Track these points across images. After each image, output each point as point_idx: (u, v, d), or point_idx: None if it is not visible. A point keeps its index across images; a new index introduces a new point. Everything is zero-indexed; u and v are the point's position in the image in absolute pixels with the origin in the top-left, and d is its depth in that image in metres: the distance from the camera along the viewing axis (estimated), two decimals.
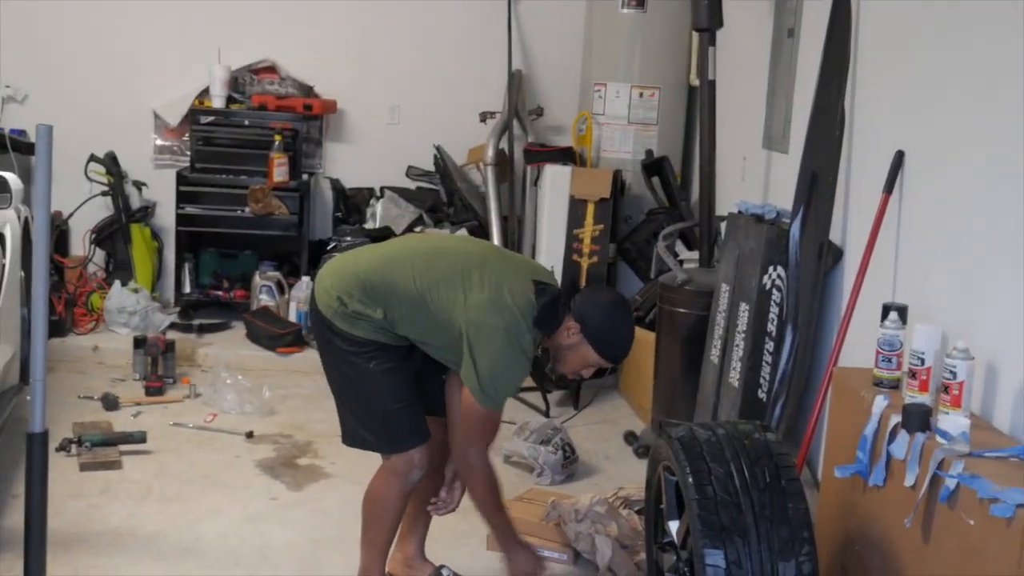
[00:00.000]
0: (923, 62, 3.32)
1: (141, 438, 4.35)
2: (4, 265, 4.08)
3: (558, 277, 5.48)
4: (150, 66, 6.28)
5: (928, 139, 3.27)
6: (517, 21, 6.35)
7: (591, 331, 2.95)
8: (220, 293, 6.15)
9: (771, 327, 3.88)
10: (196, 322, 5.91)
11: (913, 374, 2.82)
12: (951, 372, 2.66)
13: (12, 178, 3.86)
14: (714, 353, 4.21)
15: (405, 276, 2.97)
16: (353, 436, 3.12)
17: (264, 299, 5.94)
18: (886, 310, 3.04)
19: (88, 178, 6.06)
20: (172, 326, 5.81)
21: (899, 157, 3.39)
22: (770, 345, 3.87)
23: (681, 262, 4.88)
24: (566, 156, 5.86)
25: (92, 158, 6.04)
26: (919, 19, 3.37)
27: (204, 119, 6.11)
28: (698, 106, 5.04)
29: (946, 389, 2.67)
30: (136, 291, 5.84)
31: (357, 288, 2.98)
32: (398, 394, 3.03)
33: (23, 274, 4.43)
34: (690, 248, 5.31)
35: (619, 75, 5.89)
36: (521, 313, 2.91)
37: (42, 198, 2.49)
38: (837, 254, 3.86)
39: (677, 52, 5.90)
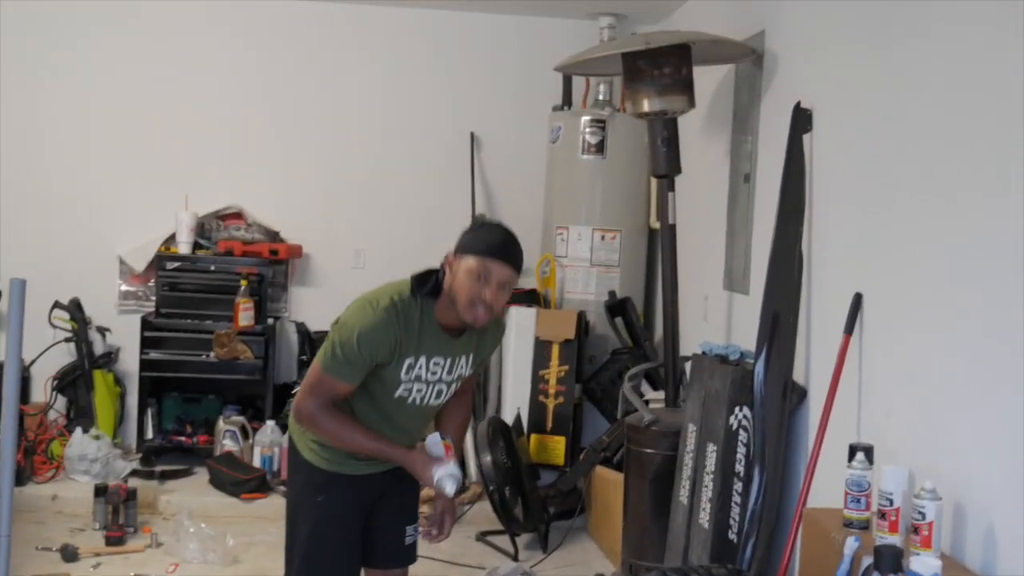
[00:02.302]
0: (877, 207, 3.44)
1: None
2: None
3: (524, 418, 5.52)
4: (116, 213, 6.33)
5: (885, 281, 3.36)
6: (480, 167, 6.51)
7: (461, 244, 2.82)
8: (183, 438, 6.07)
9: (739, 467, 3.89)
10: (158, 468, 5.82)
11: (883, 515, 2.84)
12: (920, 513, 2.68)
13: None
14: (683, 494, 4.20)
15: None
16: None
17: (228, 444, 5.88)
18: (852, 450, 3.07)
19: (52, 325, 6.03)
20: (134, 473, 5.72)
21: (857, 299, 3.47)
22: (739, 485, 3.88)
23: (647, 402, 4.91)
24: (530, 298, 5.94)
25: (56, 305, 6.02)
26: (872, 166, 3.50)
27: (170, 265, 6.13)
28: (659, 248, 5.14)
29: (916, 530, 2.69)
30: (97, 438, 5.76)
31: None
32: (335, 537, 2.97)
33: None
34: (655, 388, 5.35)
35: (581, 218, 6.02)
36: (388, 288, 2.86)
37: (13, 353, 2.50)
38: (801, 394, 3.91)
39: (636, 196, 6.05)
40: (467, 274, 2.77)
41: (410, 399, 2.91)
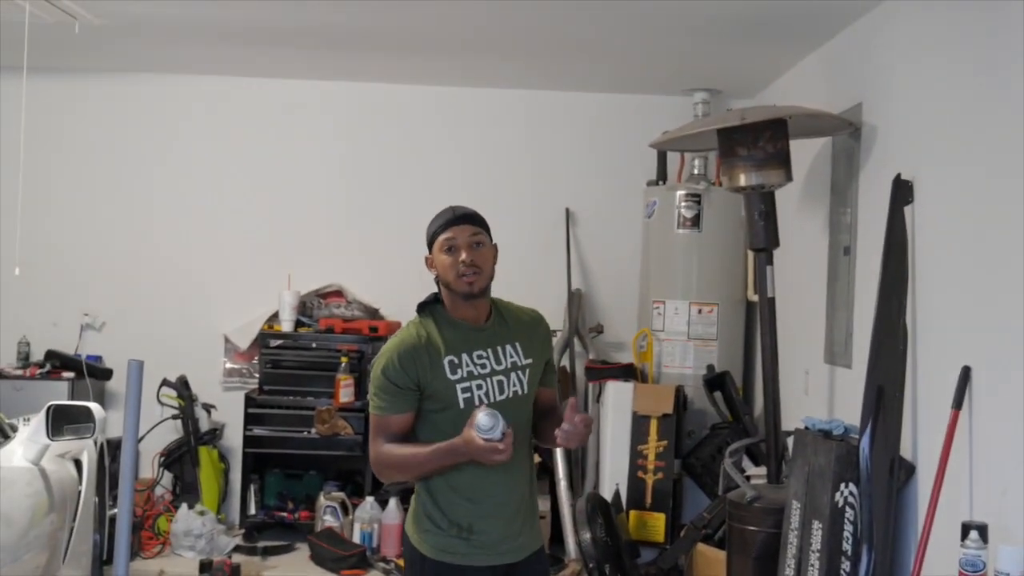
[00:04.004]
0: (984, 278, 3.38)
1: None
2: (81, 491, 4.16)
3: (623, 494, 5.47)
4: (222, 293, 6.54)
5: (994, 355, 3.28)
6: (576, 242, 6.56)
7: (427, 242, 3.02)
8: (285, 514, 6.16)
9: (847, 546, 3.80)
10: (261, 544, 5.91)
11: None
12: None
13: (96, 408, 3.99)
14: (788, 573, 4.11)
15: None
16: None
17: (328, 520, 5.94)
18: (966, 529, 2.99)
19: (160, 402, 6.20)
20: (237, 549, 5.81)
21: (966, 372, 3.40)
22: (847, 565, 3.78)
23: (748, 478, 4.83)
24: (627, 373, 5.92)
25: (164, 382, 6.20)
26: (977, 237, 3.44)
27: (273, 342, 6.28)
28: (757, 321, 5.10)
29: None
30: (202, 513, 5.88)
31: None
32: None
33: (97, 499, 4.51)
34: (756, 463, 5.27)
35: (677, 292, 6.00)
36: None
37: (130, 432, 2.58)
38: (909, 470, 3.82)
39: (733, 269, 6.03)
40: (441, 255, 2.95)
41: (476, 401, 2.90)
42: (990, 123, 3.37)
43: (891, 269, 3.87)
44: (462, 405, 2.90)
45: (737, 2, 4.50)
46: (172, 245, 6.58)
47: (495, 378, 2.94)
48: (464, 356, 2.92)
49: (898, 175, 3.92)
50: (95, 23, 5.08)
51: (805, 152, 5.05)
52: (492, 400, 2.92)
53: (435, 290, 3.03)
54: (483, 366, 2.93)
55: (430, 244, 3.00)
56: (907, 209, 3.89)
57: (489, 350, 2.95)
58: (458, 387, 2.90)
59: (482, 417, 2.73)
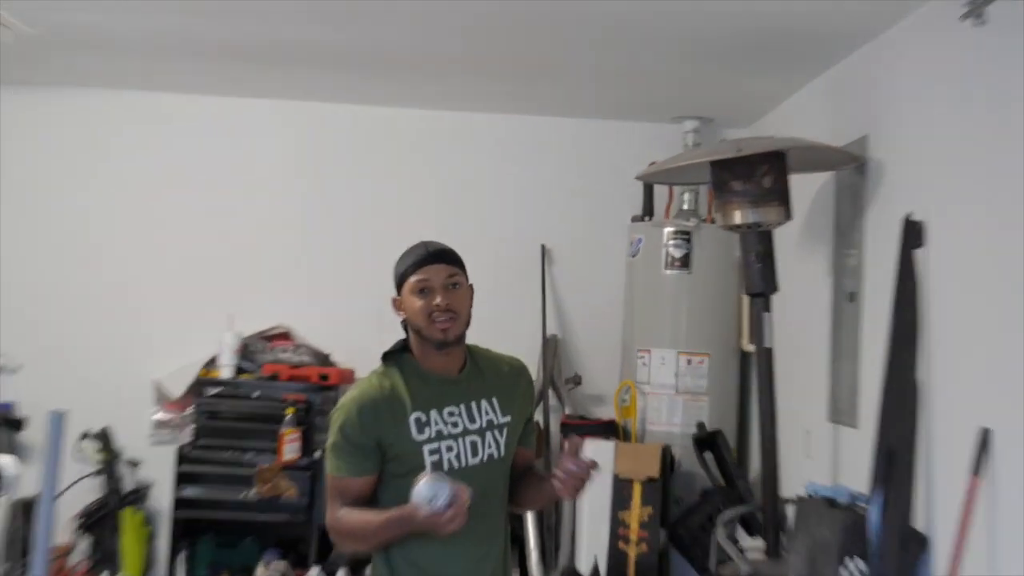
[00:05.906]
0: (1005, 330, 3.41)
1: None
2: None
3: (602, 568, 5.45)
4: (154, 335, 6.45)
5: (1016, 415, 3.30)
6: (552, 284, 6.57)
7: (395, 282, 3.00)
8: None
9: None
10: None
11: None
12: None
13: (9, 463, 3.93)
14: None
15: None
16: None
17: None
18: None
19: (76, 459, 6.09)
20: None
21: (985, 434, 3.42)
22: None
23: (743, 551, 4.83)
24: (608, 430, 5.92)
25: (84, 435, 6.12)
26: (997, 285, 3.48)
27: (210, 390, 6.21)
28: (753, 374, 5.12)
29: None
30: None
31: None
32: None
33: (8, 566, 4.44)
34: (752, 534, 5.27)
35: (664, 340, 6.02)
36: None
37: (48, 490, 2.55)
38: (922, 543, 3.82)
39: (726, 315, 6.06)
40: (412, 298, 2.93)
41: (446, 465, 2.86)
42: (1007, 160, 3.41)
43: (901, 318, 3.90)
44: (429, 470, 2.83)
45: (732, 23, 4.55)
46: (99, 280, 6.50)
47: (468, 438, 2.91)
48: (433, 413, 2.88)
49: (908, 215, 3.97)
50: (29, 32, 5.07)
51: (806, 188, 5.10)
52: (464, 464, 2.89)
53: (401, 335, 3.01)
54: (455, 424, 2.90)
55: (399, 285, 2.98)
56: (918, 252, 3.93)
57: (462, 406, 2.92)
58: (425, 448, 2.86)
59: (420, 488, 2.67)
